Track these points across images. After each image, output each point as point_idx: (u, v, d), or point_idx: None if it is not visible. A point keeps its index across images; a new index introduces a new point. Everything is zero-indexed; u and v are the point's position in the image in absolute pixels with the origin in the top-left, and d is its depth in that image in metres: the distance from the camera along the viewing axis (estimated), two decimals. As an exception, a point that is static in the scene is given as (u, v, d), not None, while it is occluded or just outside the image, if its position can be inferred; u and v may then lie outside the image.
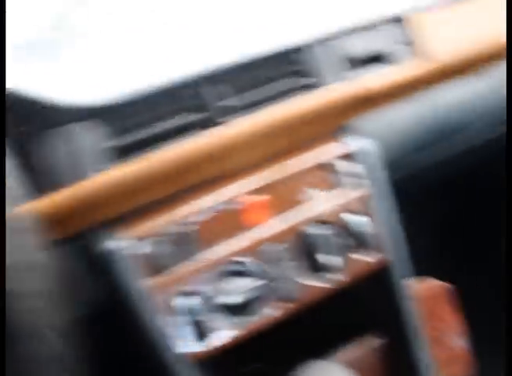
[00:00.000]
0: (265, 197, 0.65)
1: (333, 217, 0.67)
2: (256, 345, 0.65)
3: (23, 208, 0.51)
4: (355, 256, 0.68)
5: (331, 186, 0.68)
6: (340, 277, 0.67)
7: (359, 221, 0.68)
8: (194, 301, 0.60)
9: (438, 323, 0.71)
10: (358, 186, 0.70)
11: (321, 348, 0.71)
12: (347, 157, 0.70)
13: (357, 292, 0.71)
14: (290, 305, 0.65)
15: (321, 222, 0.66)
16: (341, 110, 0.71)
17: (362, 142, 0.71)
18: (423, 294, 0.72)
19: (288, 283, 0.64)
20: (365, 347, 0.73)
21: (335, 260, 0.66)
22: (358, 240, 0.68)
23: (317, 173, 0.67)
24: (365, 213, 0.69)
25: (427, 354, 0.72)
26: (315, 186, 0.67)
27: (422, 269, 0.82)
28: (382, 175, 0.72)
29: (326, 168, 0.68)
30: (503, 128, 0.80)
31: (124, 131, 0.62)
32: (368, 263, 0.69)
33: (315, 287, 0.66)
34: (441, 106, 0.81)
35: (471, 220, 1.27)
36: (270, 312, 0.64)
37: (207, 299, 0.61)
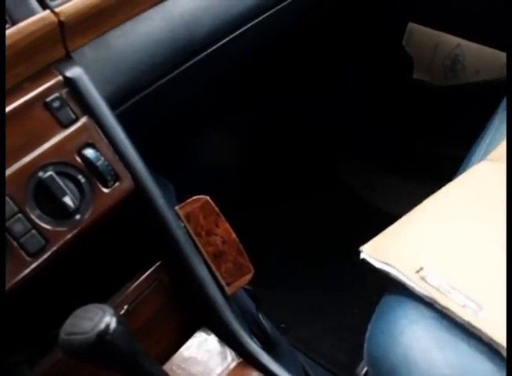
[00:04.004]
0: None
1: (66, 155, 0.64)
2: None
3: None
4: (102, 190, 0.66)
5: (56, 123, 0.65)
6: (92, 215, 0.65)
7: (93, 153, 0.66)
8: None
9: (210, 237, 0.74)
10: (81, 117, 0.67)
11: (96, 292, 0.67)
12: (64, 87, 0.66)
13: (115, 226, 0.70)
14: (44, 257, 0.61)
15: (55, 163, 0.63)
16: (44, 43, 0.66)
17: (77, 71, 0.68)
18: (189, 212, 0.73)
19: (35, 235, 0.61)
20: (147, 280, 0.73)
21: (81, 200, 0.65)
22: (99, 173, 0.66)
23: (41, 112, 0.64)
24: (97, 143, 0.67)
25: (207, 270, 0.73)
26: (41, 126, 0.64)
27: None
28: (102, 103, 0.69)
29: (48, 105, 0.64)
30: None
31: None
32: (118, 194, 0.68)
33: (66, 231, 0.63)
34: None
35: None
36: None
37: None
